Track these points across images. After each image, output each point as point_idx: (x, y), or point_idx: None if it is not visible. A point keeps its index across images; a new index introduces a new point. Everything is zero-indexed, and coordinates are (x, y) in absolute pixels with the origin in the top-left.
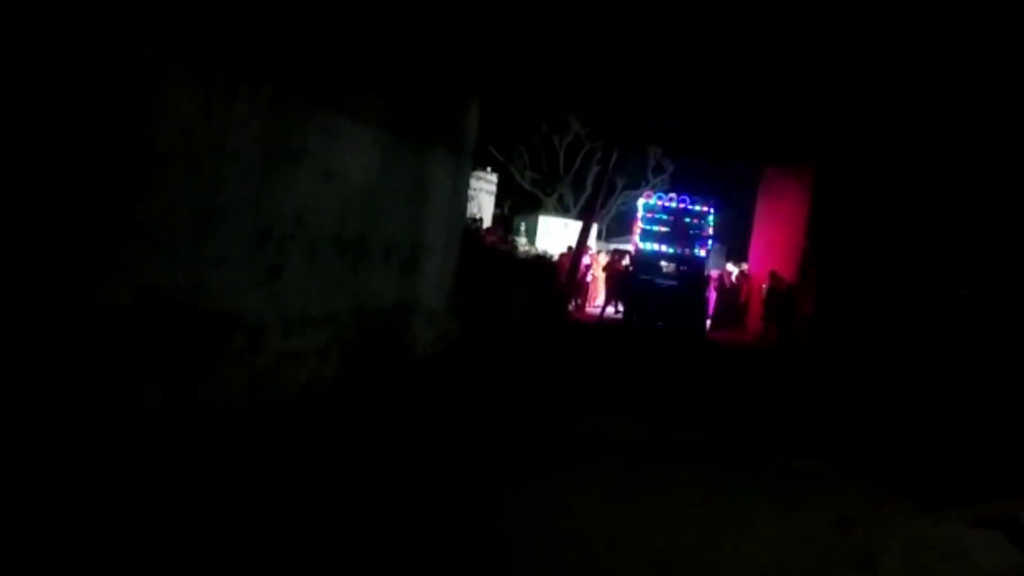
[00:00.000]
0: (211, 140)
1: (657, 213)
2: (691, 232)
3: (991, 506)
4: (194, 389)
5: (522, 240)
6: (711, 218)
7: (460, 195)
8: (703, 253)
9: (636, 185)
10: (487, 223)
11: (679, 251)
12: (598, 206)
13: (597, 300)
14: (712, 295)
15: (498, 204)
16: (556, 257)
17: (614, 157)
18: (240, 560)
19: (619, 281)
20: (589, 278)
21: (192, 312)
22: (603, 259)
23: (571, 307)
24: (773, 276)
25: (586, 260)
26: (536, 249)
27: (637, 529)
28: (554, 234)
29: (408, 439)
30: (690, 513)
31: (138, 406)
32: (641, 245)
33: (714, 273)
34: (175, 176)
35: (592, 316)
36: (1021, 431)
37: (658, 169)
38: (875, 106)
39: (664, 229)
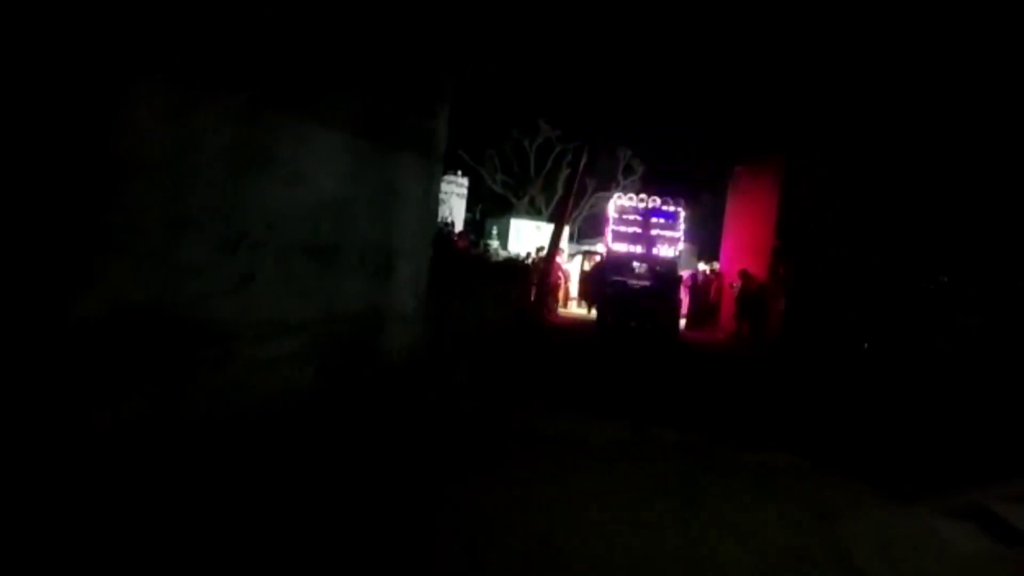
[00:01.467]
0: (182, 147)
1: (628, 214)
2: (662, 232)
3: (964, 497)
4: (171, 398)
5: (494, 243)
6: (682, 218)
7: (431, 199)
8: (675, 253)
9: (607, 187)
10: (459, 227)
11: (651, 251)
12: (569, 208)
13: (570, 302)
14: (684, 295)
15: (469, 208)
16: (528, 260)
17: (584, 159)
18: (216, 557)
19: (592, 282)
20: (562, 279)
21: (166, 322)
22: (575, 262)
23: (545, 309)
24: (744, 274)
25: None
26: (508, 252)
27: (616, 527)
28: (526, 237)
29: (383, 442)
30: (668, 510)
31: (116, 416)
32: (613, 246)
33: (686, 273)
34: (146, 184)
35: (566, 318)
36: (990, 422)
37: (628, 170)
38: (842, 101)
39: (635, 230)
